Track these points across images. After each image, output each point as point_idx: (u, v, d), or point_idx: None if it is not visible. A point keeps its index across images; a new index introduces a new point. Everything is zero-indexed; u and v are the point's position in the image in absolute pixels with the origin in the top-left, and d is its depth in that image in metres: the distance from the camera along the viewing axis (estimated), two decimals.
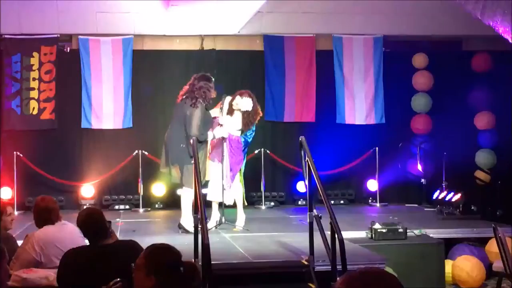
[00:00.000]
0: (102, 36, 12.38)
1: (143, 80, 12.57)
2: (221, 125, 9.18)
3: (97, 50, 12.38)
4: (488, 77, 13.08)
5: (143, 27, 12.32)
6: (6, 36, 12.05)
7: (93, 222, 5.17)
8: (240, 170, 9.42)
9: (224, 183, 9.15)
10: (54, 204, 6.18)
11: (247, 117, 9.27)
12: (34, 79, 12.20)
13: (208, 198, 9.38)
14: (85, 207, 11.31)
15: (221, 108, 9.29)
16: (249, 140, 9.50)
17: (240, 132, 9.29)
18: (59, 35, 12.29)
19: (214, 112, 9.38)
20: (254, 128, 9.48)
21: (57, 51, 12.28)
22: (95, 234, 5.15)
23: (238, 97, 9.29)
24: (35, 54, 12.20)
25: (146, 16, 12.04)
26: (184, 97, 9.29)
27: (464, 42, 13.44)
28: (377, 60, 13.12)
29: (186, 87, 9.34)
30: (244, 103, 9.24)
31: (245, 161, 9.59)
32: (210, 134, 9.32)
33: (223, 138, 9.15)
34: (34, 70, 12.21)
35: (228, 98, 9.40)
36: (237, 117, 9.28)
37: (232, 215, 9.54)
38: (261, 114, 9.55)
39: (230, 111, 9.31)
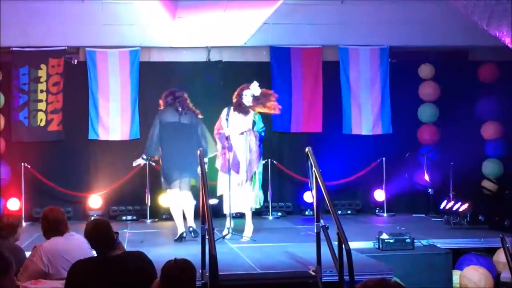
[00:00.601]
0: (109, 48, 12.45)
1: (150, 92, 12.60)
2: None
3: (104, 62, 12.44)
4: (494, 87, 13.08)
5: (150, 39, 12.38)
6: (14, 48, 12.12)
7: (100, 233, 5.18)
8: (255, 174, 9.45)
9: (240, 179, 9.20)
10: (63, 216, 6.19)
11: (261, 101, 9.41)
12: (41, 91, 12.26)
13: (225, 211, 9.43)
14: (92, 218, 11.40)
15: (227, 119, 9.32)
16: (263, 135, 9.57)
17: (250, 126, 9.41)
18: (66, 48, 12.36)
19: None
20: (263, 126, 9.51)
21: (64, 63, 12.34)
22: (102, 245, 5.16)
23: (245, 90, 9.41)
24: (42, 66, 12.26)
25: (153, 28, 12.10)
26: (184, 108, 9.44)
27: (471, 52, 13.44)
28: (384, 71, 13.13)
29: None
30: (253, 88, 9.38)
31: (262, 161, 9.64)
32: (218, 146, 9.39)
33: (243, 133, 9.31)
34: (42, 82, 12.27)
35: (225, 110, 9.47)
36: (249, 116, 9.37)
37: (239, 225, 9.55)
38: (270, 92, 9.62)
39: (242, 111, 9.38)
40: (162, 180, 9.53)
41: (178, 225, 9.46)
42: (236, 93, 9.53)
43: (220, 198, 9.62)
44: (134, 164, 10.07)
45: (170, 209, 9.70)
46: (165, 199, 12.18)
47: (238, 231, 9.41)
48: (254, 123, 9.44)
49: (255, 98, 9.42)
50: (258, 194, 9.54)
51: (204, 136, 9.55)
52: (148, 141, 9.64)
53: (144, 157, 9.73)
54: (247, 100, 9.39)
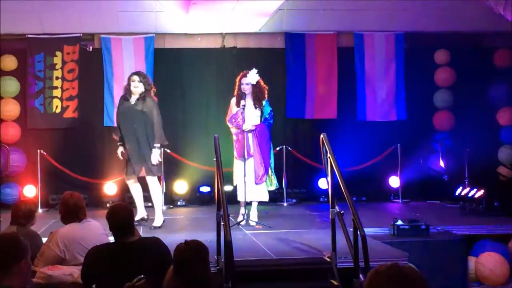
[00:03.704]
0: (124, 35, 12.46)
1: (164, 78, 12.61)
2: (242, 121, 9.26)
3: (119, 49, 12.46)
4: (510, 72, 12.99)
5: (165, 26, 12.37)
6: (29, 35, 12.17)
7: (122, 218, 5.19)
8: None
9: (253, 179, 9.23)
10: (82, 202, 6.22)
11: (256, 91, 9.39)
12: (57, 78, 12.31)
13: (239, 199, 9.46)
14: (107, 205, 11.46)
15: (243, 107, 9.32)
16: (271, 121, 9.57)
17: (259, 115, 9.39)
18: (81, 34, 12.38)
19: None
20: (270, 110, 9.52)
21: (79, 50, 12.37)
22: (121, 230, 5.17)
23: (243, 79, 9.41)
24: (58, 53, 12.30)
25: (168, 14, 12.09)
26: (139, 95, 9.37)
27: (486, 38, 13.36)
28: (399, 57, 13.08)
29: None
30: (251, 76, 9.35)
31: (272, 151, 9.67)
32: (233, 131, 9.42)
33: (251, 131, 9.29)
34: (57, 69, 12.31)
35: (233, 100, 9.52)
36: (249, 102, 9.38)
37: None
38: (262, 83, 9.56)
39: (241, 98, 9.41)
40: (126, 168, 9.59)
41: (142, 209, 9.64)
42: (236, 83, 9.52)
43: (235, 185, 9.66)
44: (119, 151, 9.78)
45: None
46: (179, 186, 12.30)
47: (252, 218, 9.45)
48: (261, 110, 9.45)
49: (254, 86, 9.39)
50: (272, 177, 9.56)
51: (157, 120, 9.52)
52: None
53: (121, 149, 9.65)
54: (244, 88, 9.38)
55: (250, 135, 9.33)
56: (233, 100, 9.54)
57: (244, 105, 9.28)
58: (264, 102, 9.45)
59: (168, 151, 12.09)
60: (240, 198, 9.43)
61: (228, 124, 9.54)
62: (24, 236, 4.01)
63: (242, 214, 9.39)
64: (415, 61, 13.10)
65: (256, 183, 9.34)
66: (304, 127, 12.99)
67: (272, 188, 9.71)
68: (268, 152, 9.45)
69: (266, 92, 9.52)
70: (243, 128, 9.26)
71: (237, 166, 9.48)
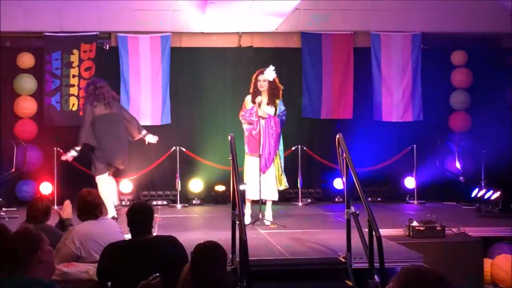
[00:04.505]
0: (141, 34, 12.49)
1: (181, 77, 12.64)
2: (259, 104, 9.31)
3: (135, 48, 12.49)
4: None
5: (181, 25, 12.40)
6: (46, 33, 12.22)
7: (143, 217, 5.21)
8: (278, 155, 9.48)
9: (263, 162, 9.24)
10: (99, 200, 6.26)
11: (271, 89, 9.41)
12: (74, 76, 12.36)
13: (247, 197, 9.46)
14: (123, 203, 11.52)
15: (259, 103, 9.33)
16: (284, 118, 9.59)
17: (273, 113, 9.43)
18: (98, 33, 12.42)
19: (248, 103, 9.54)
20: (284, 109, 9.53)
21: (96, 48, 12.41)
22: (140, 228, 5.18)
23: (260, 75, 9.44)
24: (75, 51, 12.35)
25: (184, 13, 12.12)
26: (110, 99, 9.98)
27: (503, 39, 13.28)
28: (415, 57, 13.04)
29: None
30: (268, 73, 9.39)
31: (283, 151, 9.66)
32: (245, 127, 9.43)
33: (264, 119, 9.31)
34: (74, 67, 12.36)
35: (248, 96, 9.52)
36: (264, 99, 9.42)
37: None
38: (278, 82, 9.59)
39: (257, 95, 9.42)
40: (96, 167, 9.97)
41: (110, 208, 9.79)
42: (253, 81, 9.55)
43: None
44: (63, 158, 10.28)
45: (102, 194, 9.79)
46: (194, 185, 12.31)
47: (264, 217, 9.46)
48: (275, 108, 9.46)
49: (270, 83, 9.41)
50: (282, 176, 9.56)
51: (133, 118, 10.40)
52: (83, 129, 9.93)
53: (77, 149, 9.97)
54: (260, 85, 9.40)
55: (263, 125, 9.30)
56: (248, 97, 9.56)
57: (259, 102, 9.29)
58: (278, 101, 9.46)
59: (184, 149, 12.12)
60: (251, 196, 9.40)
61: (241, 119, 9.55)
62: (43, 232, 4.03)
63: (257, 213, 9.38)
64: (432, 61, 13.06)
65: (263, 171, 9.30)
66: (320, 127, 12.98)
67: (282, 188, 9.70)
68: (277, 144, 9.44)
69: (281, 91, 9.53)
70: (259, 113, 9.26)
71: (249, 162, 9.47)
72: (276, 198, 9.63)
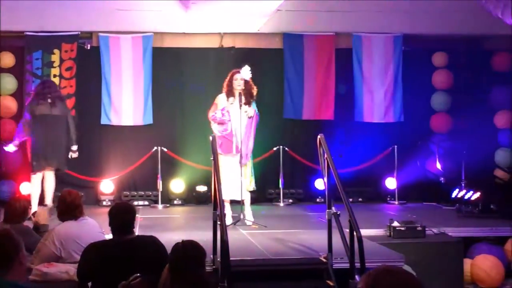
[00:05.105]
0: (122, 34, 12.45)
1: (162, 77, 12.62)
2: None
3: (117, 48, 12.45)
4: (508, 76, 12.97)
5: (163, 25, 12.36)
6: (27, 33, 12.15)
7: (125, 218, 5.20)
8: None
9: (239, 175, 9.20)
10: (80, 200, 6.24)
11: (247, 89, 9.43)
12: (54, 75, 12.29)
13: (224, 197, 9.42)
14: (104, 203, 11.50)
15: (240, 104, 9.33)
16: (258, 119, 9.63)
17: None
18: (79, 33, 12.37)
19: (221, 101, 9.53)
20: (257, 111, 9.56)
21: (77, 48, 12.36)
22: (122, 228, 5.17)
23: (237, 74, 9.46)
24: (56, 51, 12.28)
25: (166, 14, 12.07)
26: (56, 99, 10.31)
27: (485, 41, 13.37)
28: (397, 59, 13.09)
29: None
30: (244, 72, 9.41)
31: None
32: (215, 128, 9.39)
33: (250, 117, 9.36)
34: (55, 67, 12.30)
35: (220, 95, 9.54)
36: (237, 100, 9.40)
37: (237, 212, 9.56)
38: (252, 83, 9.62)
39: (232, 94, 9.42)
40: (32, 164, 10.27)
41: (35, 204, 9.98)
42: (227, 79, 9.55)
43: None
44: (6, 148, 10.63)
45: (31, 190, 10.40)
46: (175, 185, 12.29)
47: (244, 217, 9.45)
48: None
49: (246, 83, 9.42)
50: (252, 177, 9.56)
51: (73, 124, 10.53)
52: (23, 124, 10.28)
53: (17, 142, 10.40)
54: (237, 84, 9.39)
55: (243, 125, 9.29)
56: (222, 96, 9.53)
57: (233, 103, 9.30)
58: (252, 102, 9.46)
59: (165, 149, 12.10)
60: (228, 197, 9.34)
61: (211, 120, 9.51)
62: (19, 233, 4.01)
63: (238, 214, 9.38)
64: (413, 63, 13.12)
65: (244, 163, 9.30)
66: (301, 127, 12.98)
67: (251, 189, 9.70)
68: (253, 140, 9.47)
69: (255, 92, 9.54)
70: (249, 114, 9.27)
71: (223, 163, 9.18)
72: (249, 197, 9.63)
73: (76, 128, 10.52)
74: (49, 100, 10.21)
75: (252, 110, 9.37)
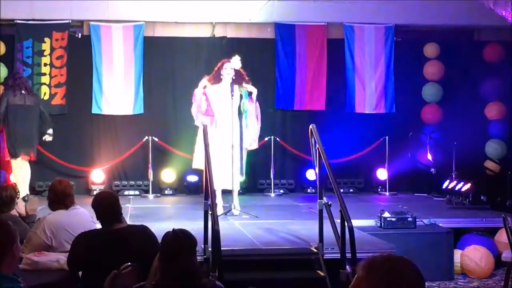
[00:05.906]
0: (114, 23, 12.40)
1: (154, 67, 12.58)
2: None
3: (108, 37, 12.40)
4: (499, 67, 13.01)
5: (154, 14, 12.32)
6: (18, 21, 12.08)
7: (109, 205, 5.19)
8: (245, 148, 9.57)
9: (231, 167, 9.16)
10: (71, 189, 6.20)
11: (237, 76, 9.40)
12: (45, 64, 12.24)
13: (215, 187, 9.39)
14: (94, 192, 11.45)
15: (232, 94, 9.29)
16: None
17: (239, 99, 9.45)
18: (70, 21, 12.31)
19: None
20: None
21: (68, 37, 12.29)
22: (109, 217, 5.17)
23: (227, 63, 9.40)
24: (46, 39, 12.22)
25: (158, 3, 12.04)
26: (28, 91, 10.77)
27: (476, 32, 13.39)
28: (388, 49, 13.09)
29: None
30: (235, 62, 9.38)
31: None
32: (201, 119, 9.35)
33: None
34: (46, 56, 12.24)
35: (205, 78, 9.55)
36: (228, 89, 9.35)
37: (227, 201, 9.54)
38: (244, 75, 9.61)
39: (218, 81, 9.42)
40: (9, 151, 10.70)
41: (26, 187, 10.49)
42: (216, 67, 9.52)
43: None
44: None
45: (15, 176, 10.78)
46: (166, 175, 12.27)
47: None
48: (240, 96, 9.41)
49: (236, 72, 9.39)
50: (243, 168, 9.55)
51: (46, 112, 10.99)
52: None
53: None
54: (227, 72, 9.35)
55: (235, 112, 9.28)
56: (205, 79, 9.50)
57: (233, 94, 9.24)
58: (246, 85, 9.44)
59: (156, 139, 12.08)
60: (219, 186, 9.28)
61: (195, 114, 9.49)
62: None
63: (230, 204, 9.37)
64: (405, 54, 13.13)
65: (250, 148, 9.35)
66: (293, 118, 12.98)
67: (241, 180, 9.70)
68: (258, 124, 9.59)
69: (246, 78, 9.54)
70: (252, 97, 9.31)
71: (214, 151, 9.21)
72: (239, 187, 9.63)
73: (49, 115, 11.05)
74: (23, 91, 10.63)
75: (253, 87, 9.38)
